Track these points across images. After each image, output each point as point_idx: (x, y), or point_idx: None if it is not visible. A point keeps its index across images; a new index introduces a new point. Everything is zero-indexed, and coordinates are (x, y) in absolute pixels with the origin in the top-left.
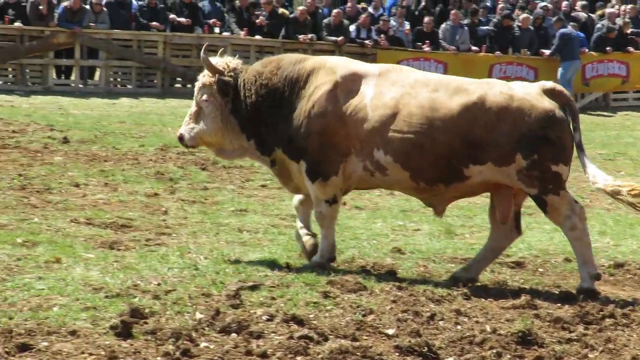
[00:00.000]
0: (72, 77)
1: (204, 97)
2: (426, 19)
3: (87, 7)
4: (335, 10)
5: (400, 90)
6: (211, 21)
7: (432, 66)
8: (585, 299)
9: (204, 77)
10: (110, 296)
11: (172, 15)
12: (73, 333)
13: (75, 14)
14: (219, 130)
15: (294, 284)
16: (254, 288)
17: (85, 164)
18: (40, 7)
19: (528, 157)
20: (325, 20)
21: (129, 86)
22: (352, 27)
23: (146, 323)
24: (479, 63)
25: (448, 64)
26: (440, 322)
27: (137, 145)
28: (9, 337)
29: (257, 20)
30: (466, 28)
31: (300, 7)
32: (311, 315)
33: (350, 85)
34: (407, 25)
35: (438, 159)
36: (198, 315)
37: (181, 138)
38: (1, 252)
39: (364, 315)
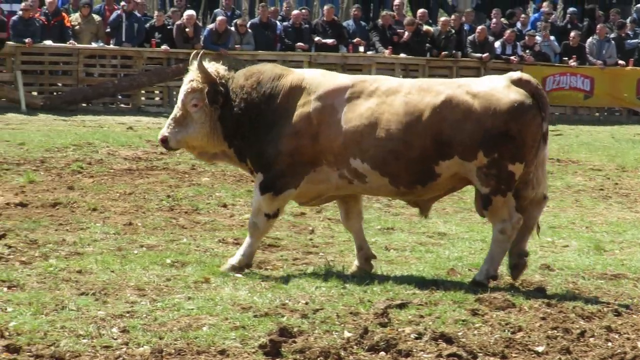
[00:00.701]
0: None
1: (193, 102)
2: (572, 34)
3: (233, 28)
4: (479, 27)
5: (375, 100)
6: (355, 40)
7: (578, 81)
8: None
9: (193, 82)
10: (259, 315)
11: (317, 38)
12: (222, 352)
13: (221, 36)
14: (206, 136)
15: (442, 302)
16: (401, 306)
17: (233, 185)
18: (187, 30)
19: (489, 155)
20: (470, 37)
21: None
22: (497, 44)
23: (295, 342)
24: (627, 77)
25: (595, 78)
26: (591, 339)
27: None
28: (160, 356)
29: (403, 39)
30: (613, 42)
31: (443, 18)
32: (460, 333)
33: (324, 101)
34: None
35: (412, 161)
36: (346, 334)
37: (164, 140)
38: (151, 272)
39: (512, 333)
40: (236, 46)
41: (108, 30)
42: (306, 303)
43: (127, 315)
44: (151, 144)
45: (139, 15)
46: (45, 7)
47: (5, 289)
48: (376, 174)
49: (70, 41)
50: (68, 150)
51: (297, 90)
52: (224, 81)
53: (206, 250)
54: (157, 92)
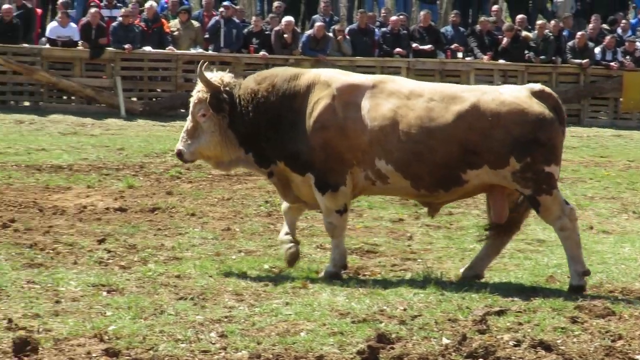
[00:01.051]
0: None
1: (201, 112)
2: None
3: (331, 35)
4: (579, 33)
5: (396, 101)
6: (453, 46)
7: None
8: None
9: (200, 92)
10: (357, 321)
11: (414, 44)
12: (320, 358)
13: (319, 42)
14: (218, 145)
15: (540, 309)
16: (500, 313)
17: None
18: (285, 36)
19: (521, 160)
20: (570, 43)
21: None
22: (597, 49)
23: (393, 348)
24: None
25: None
26: None
27: None
28: None
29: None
30: None
31: (539, 22)
32: (559, 341)
33: (346, 97)
34: None
35: (437, 166)
36: (444, 341)
37: (180, 154)
38: (249, 278)
39: (612, 341)
40: (334, 52)
41: (207, 36)
42: (404, 309)
43: (225, 320)
44: None
45: (237, 21)
46: (144, 13)
47: (104, 293)
48: (399, 176)
49: (169, 47)
50: (167, 156)
51: (316, 86)
52: (228, 89)
53: (304, 256)
54: None
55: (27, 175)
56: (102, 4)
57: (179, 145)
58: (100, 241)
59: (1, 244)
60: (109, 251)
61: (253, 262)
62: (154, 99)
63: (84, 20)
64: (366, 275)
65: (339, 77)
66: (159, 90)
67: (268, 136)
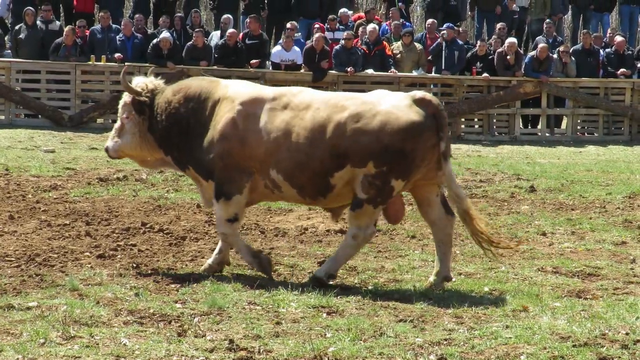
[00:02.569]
0: (539, 126)
1: (125, 114)
2: None
3: (555, 56)
4: None
5: (290, 113)
6: None
7: None
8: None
9: (126, 96)
10: (578, 345)
11: None
12: None
13: (542, 63)
14: (138, 145)
15: None
16: None
17: (552, 213)
18: (508, 57)
19: (379, 167)
20: None
21: (595, 134)
22: None
23: None
24: None
25: None
26: None
27: (604, 194)
28: None
29: None
30: None
31: None
32: None
33: (248, 109)
34: None
35: (315, 175)
36: None
37: (107, 150)
38: (469, 300)
39: None
40: (557, 74)
41: (429, 58)
42: (626, 334)
43: (445, 342)
44: (470, 172)
45: (460, 42)
46: (366, 36)
47: (324, 315)
48: (288, 185)
49: (392, 69)
50: None
51: (222, 100)
52: (149, 94)
53: (525, 279)
54: (476, 119)
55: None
56: (325, 26)
57: (107, 142)
58: (321, 263)
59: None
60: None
61: (473, 284)
62: None
63: (309, 44)
64: (588, 299)
65: (243, 91)
66: None
67: (179, 143)
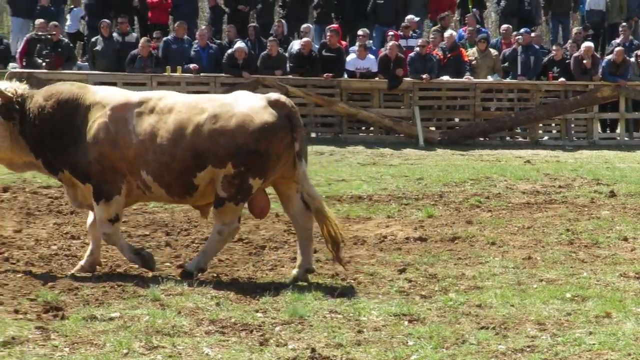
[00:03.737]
0: (617, 131)
1: None
2: None
3: (632, 59)
4: None
5: (155, 117)
6: None
7: None
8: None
9: None
10: None
11: None
12: None
13: (619, 67)
14: (8, 149)
15: None
16: None
17: (634, 218)
18: (584, 62)
19: (237, 167)
20: None
21: None
22: None
23: None
24: None
25: None
26: None
27: None
28: None
29: None
30: None
31: None
32: None
33: (117, 114)
34: None
35: (179, 174)
36: None
37: None
38: (551, 307)
39: None
40: (635, 77)
41: (505, 64)
42: None
43: (528, 349)
44: (549, 177)
45: (536, 47)
46: (443, 42)
47: (406, 323)
48: (156, 185)
49: (467, 76)
50: (466, 185)
51: (94, 106)
52: (19, 99)
53: (607, 285)
54: (554, 124)
55: (328, 206)
56: (399, 33)
57: None
58: (401, 271)
59: None
60: (410, 281)
61: (555, 291)
62: (452, 128)
63: (383, 53)
64: None
65: (113, 95)
66: (457, 119)
67: (52, 147)
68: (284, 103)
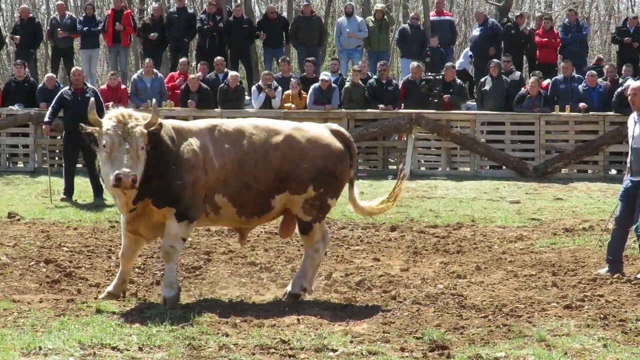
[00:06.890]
0: None
1: (141, 144)
2: None
3: None
4: None
5: (228, 140)
6: None
7: None
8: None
9: (141, 127)
10: None
11: None
12: None
13: None
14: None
15: None
16: None
17: None
18: None
19: (317, 190)
20: None
21: None
22: None
23: None
24: None
25: None
26: None
27: None
28: None
29: None
30: None
31: None
32: None
33: (199, 140)
34: None
35: (258, 194)
36: None
37: (134, 180)
38: None
39: None
40: None
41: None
42: None
43: None
44: None
45: None
46: None
47: None
48: (229, 205)
49: None
50: None
51: (177, 134)
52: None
53: None
54: None
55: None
56: None
57: (129, 171)
58: None
59: None
60: None
61: None
62: None
63: None
64: None
65: (189, 125)
66: None
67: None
68: (342, 133)
